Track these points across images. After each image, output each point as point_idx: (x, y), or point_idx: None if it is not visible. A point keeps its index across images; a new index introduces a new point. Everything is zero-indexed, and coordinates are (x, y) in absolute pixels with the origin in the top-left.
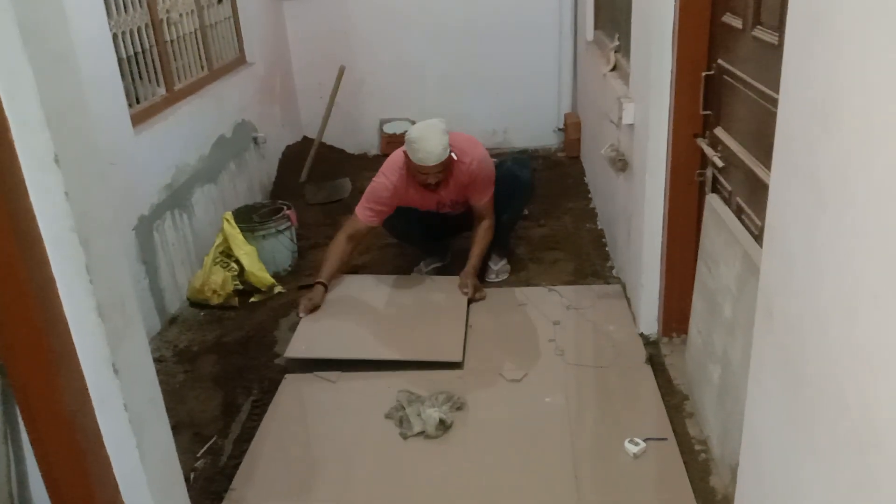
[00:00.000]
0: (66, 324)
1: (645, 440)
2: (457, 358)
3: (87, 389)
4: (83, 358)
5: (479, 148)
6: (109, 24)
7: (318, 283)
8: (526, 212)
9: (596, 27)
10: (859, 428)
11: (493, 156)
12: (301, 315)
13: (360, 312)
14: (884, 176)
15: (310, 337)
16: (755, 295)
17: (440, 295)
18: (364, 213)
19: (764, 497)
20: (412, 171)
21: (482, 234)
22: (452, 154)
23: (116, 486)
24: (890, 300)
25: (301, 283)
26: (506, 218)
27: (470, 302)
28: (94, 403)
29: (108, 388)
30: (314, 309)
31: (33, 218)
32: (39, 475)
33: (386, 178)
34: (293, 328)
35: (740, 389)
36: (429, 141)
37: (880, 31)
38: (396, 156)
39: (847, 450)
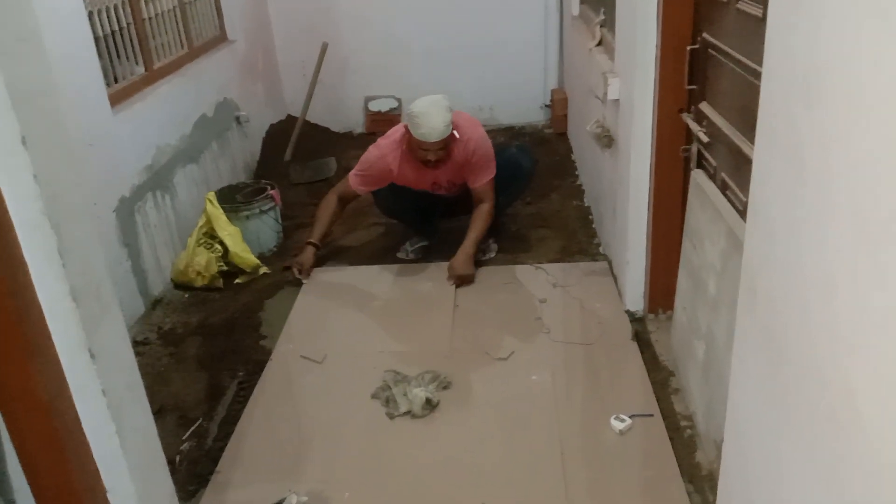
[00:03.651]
0: (40, 309)
1: (631, 416)
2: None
3: (63, 375)
4: (59, 343)
5: (478, 128)
6: (85, 1)
7: (309, 243)
8: None
9: (581, 2)
10: (838, 405)
11: (489, 134)
12: (298, 276)
13: (348, 308)
14: (861, 151)
15: (297, 336)
16: (739, 272)
17: (428, 284)
18: (355, 180)
19: (747, 473)
20: (412, 146)
21: (480, 218)
22: (455, 132)
23: (97, 471)
24: (868, 277)
25: (286, 263)
26: (501, 200)
27: (458, 287)
28: (72, 389)
29: (85, 374)
30: (306, 269)
31: (2, 201)
32: (18, 462)
33: (381, 151)
34: (279, 311)
35: (724, 366)
36: (432, 117)
37: (861, 3)
38: (396, 130)
39: (827, 427)
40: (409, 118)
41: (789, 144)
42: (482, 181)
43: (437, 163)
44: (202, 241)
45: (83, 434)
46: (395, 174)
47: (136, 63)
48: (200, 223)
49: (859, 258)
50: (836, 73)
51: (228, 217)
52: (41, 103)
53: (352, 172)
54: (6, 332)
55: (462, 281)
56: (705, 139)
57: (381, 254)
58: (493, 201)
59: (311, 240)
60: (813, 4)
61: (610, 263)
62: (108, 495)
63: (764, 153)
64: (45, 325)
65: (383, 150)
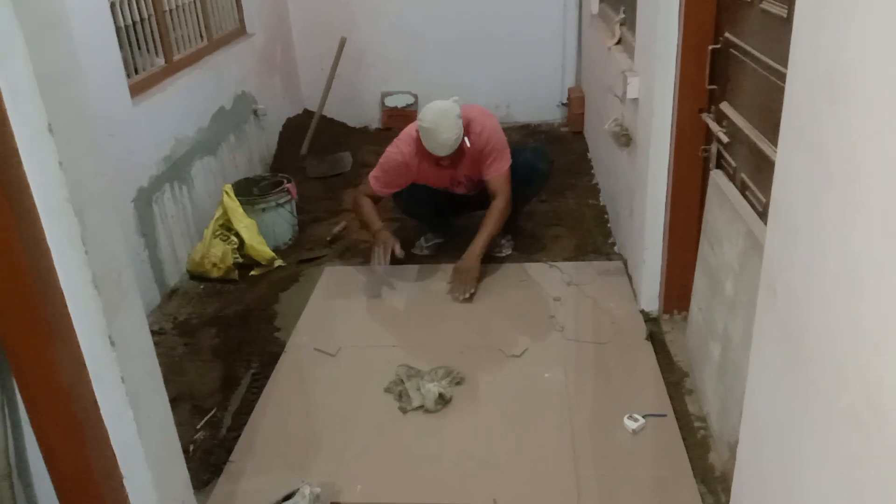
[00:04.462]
0: (62, 295)
1: (644, 416)
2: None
3: (83, 361)
4: (79, 330)
5: (491, 119)
6: None
7: (379, 228)
8: None
9: (601, 0)
10: (859, 405)
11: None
12: (398, 253)
13: (362, 302)
14: (891, 148)
15: (311, 329)
16: (757, 272)
17: (442, 280)
18: (375, 183)
19: (762, 473)
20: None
21: (492, 215)
22: (465, 139)
23: (114, 457)
24: (894, 277)
25: (301, 257)
26: (516, 200)
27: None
28: (91, 375)
29: (104, 360)
30: (393, 245)
31: (27, 188)
32: (37, 446)
33: (399, 149)
34: (294, 304)
35: (740, 367)
36: (441, 133)
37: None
38: (413, 127)
39: (846, 427)
40: (420, 129)
41: (814, 142)
42: (496, 172)
43: (451, 162)
44: (218, 232)
45: (101, 420)
46: (415, 171)
47: (157, 55)
48: (217, 215)
49: (886, 257)
50: (866, 70)
51: (245, 209)
52: (67, 90)
53: (371, 175)
54: (28, 318)
55: (463, 279)
56: (725, 139)
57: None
58: (508, 195)
59: (379, 226)
60: (843, 1)
61: (625, 263)
62: (125, 481)
63: (787, 151)
64: (67, 312)
65: (401, 148)
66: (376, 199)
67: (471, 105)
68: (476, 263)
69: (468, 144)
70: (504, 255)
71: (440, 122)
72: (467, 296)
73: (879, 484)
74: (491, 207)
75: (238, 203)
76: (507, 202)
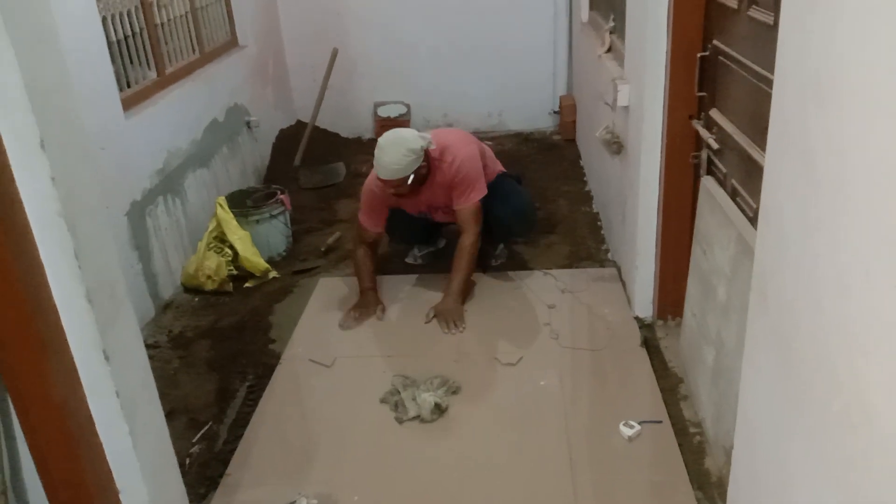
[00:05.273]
0: (56, 310)
1: (640, 423)
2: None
3: (77, 375)
4: (73, 344)
5: (467, 146)
6: (98, 6)
7: (367, 288)
8: None
9: (591, 8)
10: (851, 408)
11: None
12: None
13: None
14: (878, 152)
15: (306, 340)
16: (749, 277)
17: (436, 290)
18: (365, 221)
19: (757, 478)
20: None
21: (461, 257)
22: (410, 176)
23: (109, 471)
24: (883, 279)
25: (295, 268)
26: (501, 238)
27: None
28: (86, 389)
29: (99, 374)
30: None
31: (19, 203)
32: (31, 461)
33: (370, 177)
34: (289, 315)
35: (734, 371)
36: (386, 155)
37: (877, 4)
38: None
39: (839, 430)
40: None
41: (803, 147)
42: (465, 202)
43: (400, 196)
44: (212, 245)
45: (96, 434)
46: (392, 198)
47: (149, 68)
48: (211, 227)
49: (876, 260)
50: (853, 74)
51: (239, 221)
52: (58, 104)
53: (360, 215)
54: (22, 332)
55: (447, 318)
56: (715, 146)
57: (389, 258)
58: (475, 231)
59: (367, 286)
60: (829, 7)
61: (618, 269)
62: (121, 496)
63: (776, 156)
64: (60, 326)
65: (372, 174)
66: (372, 238)
67: (450, 129)
68: (457, 304)
69: (410, 181)
70: (498, 263)
71: (389, 147)
72: (458, 332)
73: (873, 486)
74: (458, 248)
75: (232, 215)
76: (475, 238)
